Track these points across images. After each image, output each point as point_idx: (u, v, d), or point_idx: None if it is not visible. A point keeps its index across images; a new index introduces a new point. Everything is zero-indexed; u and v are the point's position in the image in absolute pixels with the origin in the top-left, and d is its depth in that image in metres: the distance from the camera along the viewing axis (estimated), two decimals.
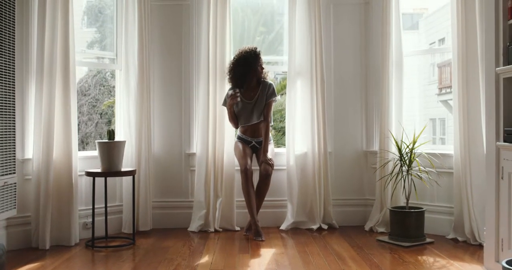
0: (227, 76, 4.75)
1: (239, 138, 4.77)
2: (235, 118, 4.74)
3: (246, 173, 4.49)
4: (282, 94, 9.83)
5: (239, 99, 4.62)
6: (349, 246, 4.16)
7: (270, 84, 4.71)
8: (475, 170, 4.20)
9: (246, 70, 4.63)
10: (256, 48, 4.68)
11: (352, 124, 5.08)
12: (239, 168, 4.64)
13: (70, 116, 4.26)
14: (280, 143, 8.93)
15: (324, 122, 4.86)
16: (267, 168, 4.55)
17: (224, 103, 4.75)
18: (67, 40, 4.24)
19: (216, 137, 4.81)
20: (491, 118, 3.38)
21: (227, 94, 4.70)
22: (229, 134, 4.87)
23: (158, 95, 4.98)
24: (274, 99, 4.68)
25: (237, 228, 4.79)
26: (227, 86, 4.82)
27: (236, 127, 4.81)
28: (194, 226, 4.75)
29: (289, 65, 4.89)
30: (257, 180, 4.62)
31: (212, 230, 4.72)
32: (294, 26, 4.88)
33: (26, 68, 4.20)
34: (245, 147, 4.68)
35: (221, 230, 4.76)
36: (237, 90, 4.63)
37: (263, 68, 4.72)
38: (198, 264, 3.67)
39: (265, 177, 4.55)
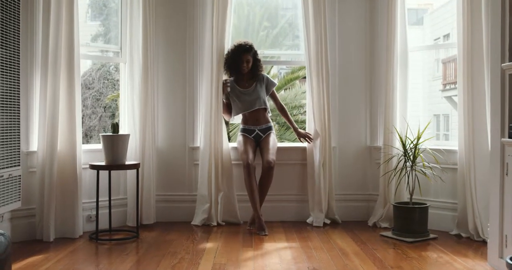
0: (224, 68, 4.84)
1: (242, 131, 4.80)
2: (226, 108, 4.87)
3: (248, 168, 4.51)
4: (286, 89, 9.84)
5: (229, 89, 4.78)
6: (352, 241, 4.16)
7: (264, 75, 4.88)
8: (480, 166, 4.18)
9: (238, 61, 4.72)
10: (249, 42, 4.77)
11: (356, 119, 5.07)
12: (241, 162, 4.65)
13: (74, 110, 4.26)
14: (283, 138, 8.93)
15: (329, 117, 4.85)
16: (269, 161, 4.55)
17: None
18: (71, 33, 4.24)
19: (219, 131, 4.81)
20: (496, 114, 3.37)
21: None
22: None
23: (162, 88, 4.98)
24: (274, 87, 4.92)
25: (242, 222, 4.80)
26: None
27: (229, 118, 4.92)
28: (197, 220, 4.76)
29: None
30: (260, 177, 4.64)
31: (215, 224, 4.73)
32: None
33: (30, 61, 4.21)
34: (247, 142, 4.69)
35: (224, 223, 4.78)
36: (227, 80, 4.80)
37: (258, 60, 4.81)
38: (202, 257, 3.68)
39: (268, 169, 4.56)
